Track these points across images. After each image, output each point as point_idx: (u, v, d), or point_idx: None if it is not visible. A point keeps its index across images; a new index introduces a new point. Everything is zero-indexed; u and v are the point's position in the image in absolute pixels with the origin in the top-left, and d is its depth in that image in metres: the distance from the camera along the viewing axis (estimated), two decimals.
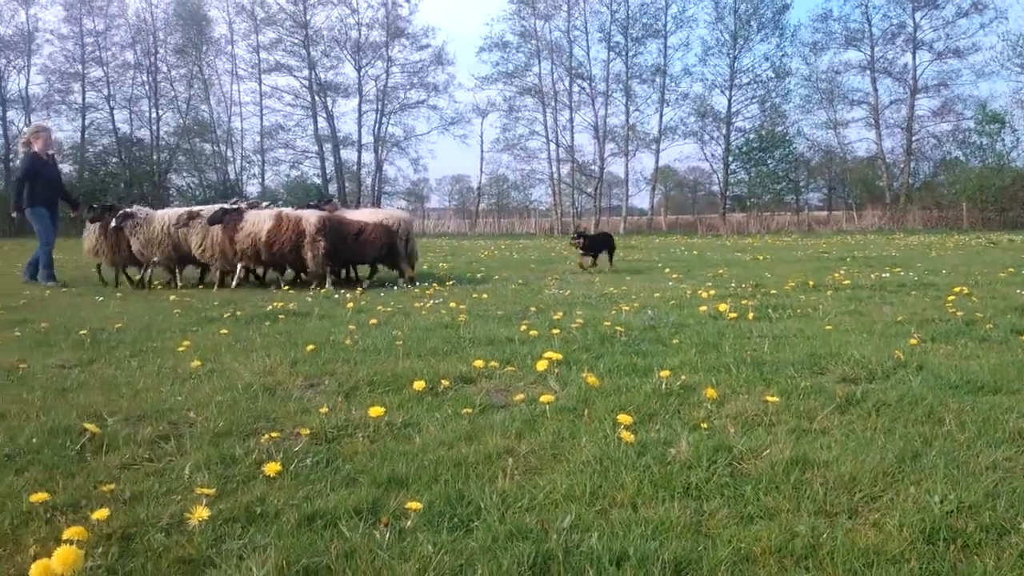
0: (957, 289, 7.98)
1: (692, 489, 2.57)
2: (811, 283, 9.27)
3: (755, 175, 46.51)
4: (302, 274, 11.06)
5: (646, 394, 3.76)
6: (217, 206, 10.66)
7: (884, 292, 8.37)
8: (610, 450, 2.91)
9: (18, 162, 12.25)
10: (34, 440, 3.15)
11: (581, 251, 12.72)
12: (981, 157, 42.66)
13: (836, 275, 10.51)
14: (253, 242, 9.93)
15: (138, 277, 10.95)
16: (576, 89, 48.64)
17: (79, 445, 3.09)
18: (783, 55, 46.60)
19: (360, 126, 51.90)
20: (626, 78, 47.46)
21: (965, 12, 43.46)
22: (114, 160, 49.23)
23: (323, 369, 4.58)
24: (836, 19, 46.67)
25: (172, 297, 9.01)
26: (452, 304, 7.68)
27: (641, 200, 58.09)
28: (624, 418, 3.13)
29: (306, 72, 50.79)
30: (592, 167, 49.49)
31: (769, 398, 3.56)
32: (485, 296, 8.65)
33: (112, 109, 49.09)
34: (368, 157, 52.61)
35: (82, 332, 5.96)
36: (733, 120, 47.38)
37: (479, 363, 4.44)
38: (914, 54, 44.95)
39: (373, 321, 6.51)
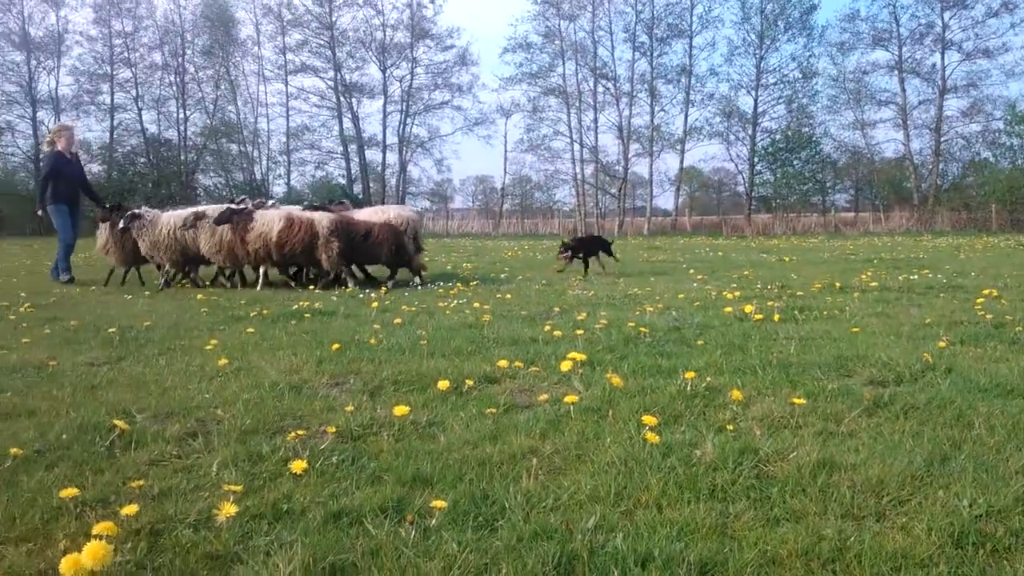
0: (986, 291, 7.88)
1: (718, 491, 2.56)
2: (838, 285, 9.18)
3: (781, 176, 46.10)
4: (307, 274, 11.20)
5: (671, 395, 3.75)
6: (223, 206, 10.69)
7: (912, 294, 8.28)
8: (635, 451, 2.90)
9: (42, 160, 12.42)
10: (64, 436, 3.19)
11: (564, 259, 12.25)
12: (1011, 158, 42.14)
13: (863, 277, 10.42)
14: (264, 242, 9.99)
15: (162, 279, 10.94)
16: (600, 89, 48.57)
17: (108, 441, 3.13)
18: (810, 55, 46.26)
19: (385, 127, 52.20)
20: (651, 78, 47.30)
21: (995, 12, 42.86)
22: (142, 160, 49.80)
23: (348, 368, 4.60)
24: (864, 19, 46.15)
25: (199, 296, 9.10)
26: (476, 304, 7.70)
27: (665, 201, 58.16)
28: (649, 419, 3.13)
29: (332, 73, 51.15)
30: (616, 168, 49.37)
31: (795, 400, 3.53)
32: (509, 296, 8.65)
33: (140, 110, 49.71)
34: (393, 158, 52.89)
35: (111, 330, 6.04)
36: (759, 120, 47.07)
37: (503, 363, 4.45)
38: (943, 54, 44.40)
39: (398, 320, 6.54)
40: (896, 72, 45.48)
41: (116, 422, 3.24)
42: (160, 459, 2.97)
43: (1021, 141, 41.17)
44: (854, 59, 46.93)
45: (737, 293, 8.40)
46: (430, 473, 2.75)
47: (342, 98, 51.32)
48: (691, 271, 12.61)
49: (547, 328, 5.87)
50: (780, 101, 47.13)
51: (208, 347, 5.31)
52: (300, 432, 3.17)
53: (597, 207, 50.09)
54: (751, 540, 2.20)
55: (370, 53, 51.40)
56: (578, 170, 49.65)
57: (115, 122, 48.95)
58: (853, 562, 2.07)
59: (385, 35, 51.26)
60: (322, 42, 50.72)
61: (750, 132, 46.95)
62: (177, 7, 49.99)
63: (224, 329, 6.34)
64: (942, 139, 44.63)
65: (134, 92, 49.34)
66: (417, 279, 10.70)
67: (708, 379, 4.01)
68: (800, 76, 46.41)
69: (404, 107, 51.73)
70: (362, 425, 3.36)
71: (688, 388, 3.83)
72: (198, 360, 4.89)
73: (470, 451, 3.01)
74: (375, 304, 7.79)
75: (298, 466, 2.69)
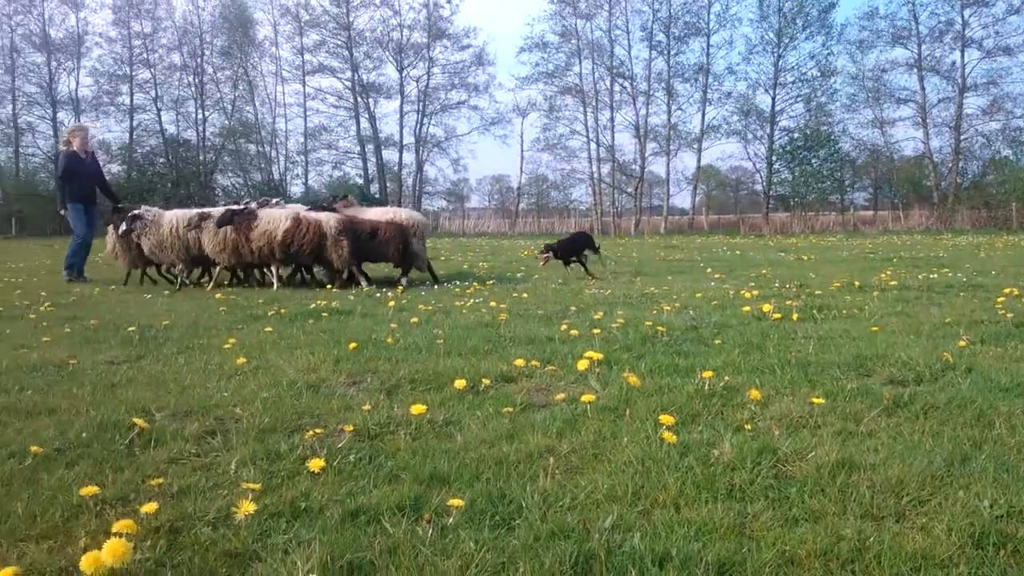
0: (1007, 290, 7.80)
1: (736, 491, 2.55)
2: (857, 284, 9.12)
3: (799, 174, 45.83)
4: (308, 274, 11.23)
5: (688, 395, 3.73)
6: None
7: (932, 293, 8.21)
8: (652, 450, 2.89)
9: (58, 160, 12.57)
10: (84, 434, 3.21)
11: (544, 260, 12.10)
12: None
13: (882, 276, 10.34)
14: (268, 241, 10.03)
15: (177, 281, 10.97)
16: (617, 88, 48.50)
17: (128, 440, 3.15)
18: (829, 53, 45.98)
19: (402, 127, 52.43)
20: (668, 77, 47.14)
21: (1016, 9, 42.41)
22: (161, 160, 50.23)
23: (365, 367, 4.62)
24: (883, 17, 45.85)
25: (218, 295, 9.16)
26: (492, 303, 7.70)
27: (683, 200, 57.85)
28: (666, 418, 3.12)
29: (349, 73, 51.41)
30: (633, 167, 49.31)
31: (814, 400, 3.51)
32: (525, 295, 8.65)
33: (159, 110, 50.23)
34: (409, 157, 53.11)
35: (130, 329, 6.08)
36: (777, 119, 46.85)
37: (520, 362, 4.44)
38: (963, 52, 44.00)
39: (414, 320, 6.55)
40: (915, 70, 45.16)
41: (135, 420, 3.26)
42: (179, 457, 2.99)
43: None
44: (873, 57, 46.83)
45: (755, 292, 8.36)
46: (447, 472, 2.75)
47: (359, 98, 51.56)
48: (708, 270, 12.56)
49: (564, 327, 5.86)
50: (798, 99, 46.92)
51: (226, 346, 5.34)
52: (318, 431, 3.18)
53: (613, 206, 50.06)
54: (769, 540, 2.19)
55: (387, 53, 51.70)
56: (594, 169, 49.63)
57: (134, 123, 49.51)
58: (872, 562, 2.06)
59: (402, 35, 51.54)
60: (339, 42, 51.00)
61: (768, 131, 46.74)
62: (196, 8, 50.51)
63: (242, 328, 6.38)
64: (962, 137, 44.27)
65: (153, 93, 49.92)
66: (404, 279, 10.61)
67: (726, 378, 3.99)
68: (818, 74, 46.19)
69: (421, 107, 51.96)
70: (379, 424, 3.36)
71: (706, 387, 3.81)
72: (217, 359, 4.92)
73: (487, 450, 3.01)
74: (392, 303, 7.81)
75: (316, 464, 2.70)
